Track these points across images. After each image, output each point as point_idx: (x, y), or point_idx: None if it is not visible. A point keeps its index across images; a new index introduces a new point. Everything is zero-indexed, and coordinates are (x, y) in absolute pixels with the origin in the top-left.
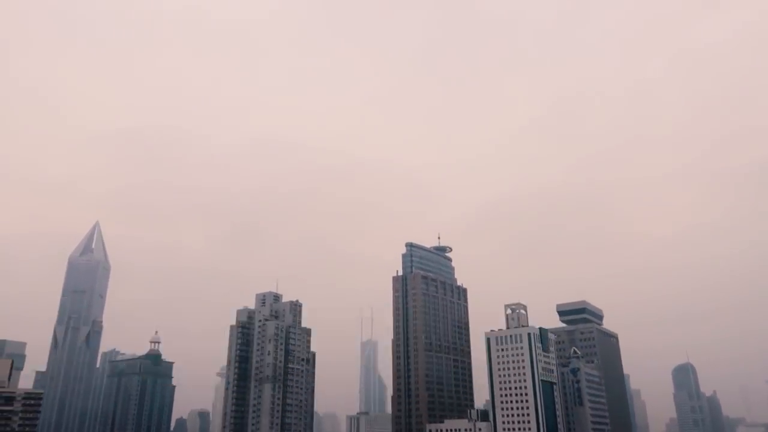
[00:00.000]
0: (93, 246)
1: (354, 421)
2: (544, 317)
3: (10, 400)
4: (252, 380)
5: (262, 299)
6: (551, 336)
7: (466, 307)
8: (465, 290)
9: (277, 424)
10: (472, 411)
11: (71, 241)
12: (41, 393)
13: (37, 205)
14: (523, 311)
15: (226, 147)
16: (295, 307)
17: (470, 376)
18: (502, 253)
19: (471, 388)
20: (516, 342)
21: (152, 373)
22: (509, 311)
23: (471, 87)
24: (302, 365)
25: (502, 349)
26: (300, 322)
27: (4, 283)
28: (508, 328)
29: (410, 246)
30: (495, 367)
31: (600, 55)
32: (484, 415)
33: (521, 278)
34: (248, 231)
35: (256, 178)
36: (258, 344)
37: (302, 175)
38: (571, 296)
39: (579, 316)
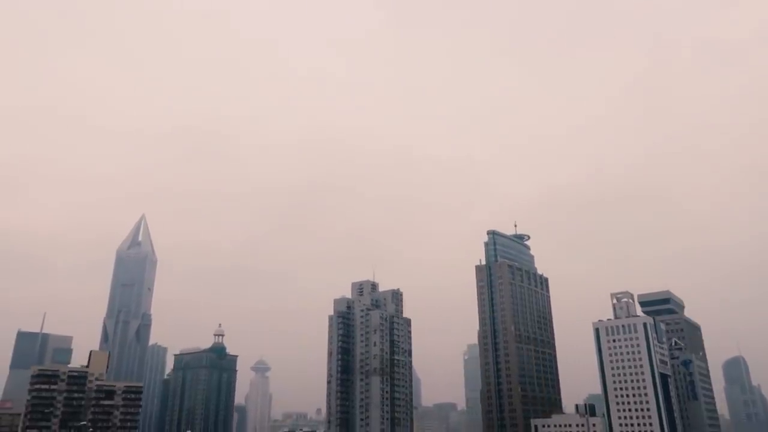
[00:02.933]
0: (140, 239)
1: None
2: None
3: (110, 394)
4: (357, 373)
5: (359, 288)
6: (662, 326)
7: (548, 297)
8: (546, 279)
9: (387, 419)
10: (579, 405)
11: (118, 236)
12: (141, 386)
13: (84, 201)
14: (630, 300)
15: (272, 144)
16: (397, 296)
17: (556, 368)
18: (564, 241)
19: (558, 381)
20: (629, 332)
21: (217, 366)
22: (615, 300)
23: (538, 72)
24: (405, 357)
25: (614, 340)
26: (402, 312)
27: (51, 277)
28: (616, 317)
29: (492, 234)
30: (606, 359)
31: (681, 37)
32: (590, 410)
33: (585, 267)
34: (293, 226)
35: (303, 174)
36: (362, 335)
37: (352, 169)
38: (628, 285)
39: (663, 307)
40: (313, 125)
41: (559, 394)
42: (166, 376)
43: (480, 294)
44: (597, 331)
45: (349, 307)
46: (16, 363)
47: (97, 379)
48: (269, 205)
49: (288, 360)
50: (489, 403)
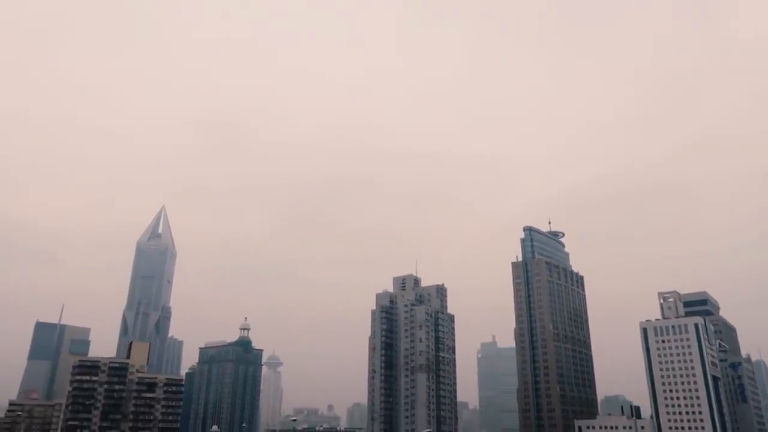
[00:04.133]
0: (160, 230)
1: None
2: (642, 304)
3: (152, 386)
4: (401, 369)
5: (401, 283)
6: (711, 327)
7: (583, 295)
8: (582, 277)
9: (433, 417)
10: (625, 407)
11: (138, 228)
12: (182, 380)
13: (104, 193)
14: (677, 300)
15: (295, 140)
16: (442, 292)
17: (591, 368)
18: (592, 239)
19: (593, 380)
20: (680, 333)
21: (243, 360)
22: (662, 300)
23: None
24: (450, 354)
25: (663, 341)
26: (446, 307)
27: (69, 270)
28: (663, 317)
29: (529, 230)
30: (655, 359)
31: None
32: (636, 412)
33: (612, 264)
34: (313, 222)
35: (325, 170)
36: (406, 330)
37: (375, 166)
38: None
39: (701, 308)
40: (336, 121)
41: (594, 393)
42: (188, 370)
43: (516, 291)
44: (645, 331)
45: (392, 302)
46: (34, 354)
47: (138, 371)
48: (290, 201)
49: (299, 356)
50: (526, 402)
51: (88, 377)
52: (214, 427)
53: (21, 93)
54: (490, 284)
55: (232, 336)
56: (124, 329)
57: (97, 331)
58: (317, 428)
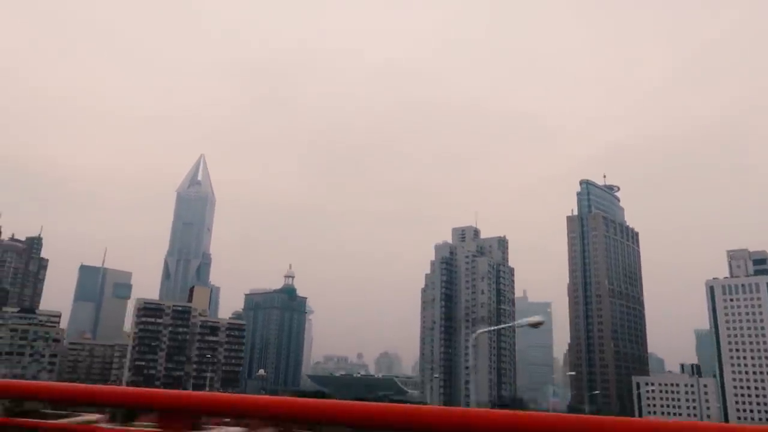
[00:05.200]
0: (199, 178)
1: None
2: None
3: (215, 330)
4: (462, 321)
5: (461, 234)
6: None
7: (638, 251)
8: (636, 233)
9: (494, 369)
10: (686, 365)
11: (178, 176)
12: (244, 324)
13: (145, 140)
14: (747, 258)
15: (336, 91)
16: (503, 244)
17: (644, 325)
18: (641, 194)
19: (645, 338)
20: (750, 292)
21: (288, 308)
22: (730, 258)
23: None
24: (510, 307)
25: (731, 300)
26: (507, 260)
27: (111, 214)
28: (732, 276)
29: (586, 184)
30: (721, 318)
31: None
32: (697, 371)
33: (669, 220)
34: (354, 172)
35: (366, 121)
36: (467, 282)
37: (415, 116)
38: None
39: (760, 267)
40: (380, 71)
41: (646, 351)
42: (231, 315)
43: (571, 245)
44: (711, 289)
45: (451, 253)
46: (80, 296)
47: (200, 315)
48: (329, 153)
49: (328, 306)
50: (578, 357)
51: (152, 319)
52: (261, 371)
53: (69, 41)
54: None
55: (269, 284)
56: (166, 274)
57: (138, 275)
58: (355, 374)
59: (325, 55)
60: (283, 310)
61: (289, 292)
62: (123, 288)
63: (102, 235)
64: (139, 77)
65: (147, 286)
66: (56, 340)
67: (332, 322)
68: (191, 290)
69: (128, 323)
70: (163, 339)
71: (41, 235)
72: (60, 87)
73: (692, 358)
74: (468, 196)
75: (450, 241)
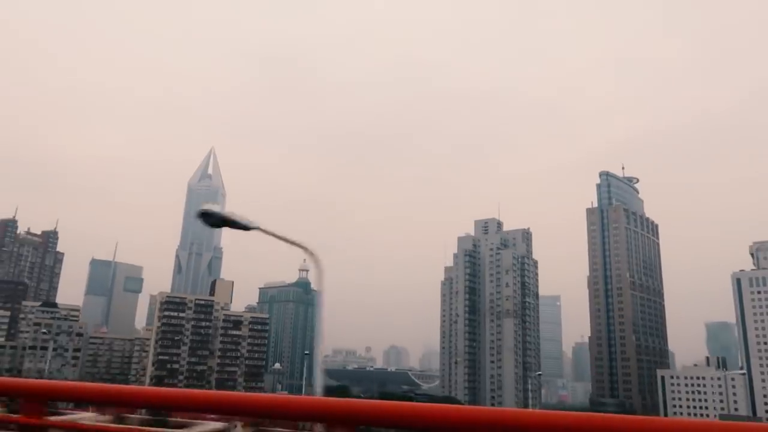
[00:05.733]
0: (210, 172)
1: None
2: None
3: (237, 324)
4: (486, 314)
5: (483, 226)
6: None
7: (657, 244)
8: (657, 225)
9: (519, 363)
10: (710, 358)
11: (189, 169)
12: (267, 318)
13: (156, 130)
14: None
15: (349, 80)
16: (527, 236)
17: (664, 318)
18: (660, 186)
19: (665, 331)
20: None
21: (303, 301)
22: (755, 250)
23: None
24: (534, 300)
25: (759, 292)
26: (531, 252)
27: (120, 207)
28: (757, 268)
29: (606, 175)
30: (749, 311)
31: None
32: (723, 364)
33: (688, 212)
34: (367, 161)
35: (378, 109)
36: (492, 274)
37: (431, 105)
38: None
39: None
40: (396, 60)
41: (666, 344)
42: (245, 309)
43: (591, 237)
44: (738, 281)
45: (475, 246)
46: (91, 290)
47: (223, 308)
48: (342, 143)
49: (337, 298)
50: (599, 351)
51: (176, 313)
52: (277, 365)
53: (81, 31)
54: (539, 230)
55: (282, 278)
56: (178, 268)
57: (149, 269)
58: (367, 368)
59: (342, 45)
60: (297, 304)
61: (303, 285)
62: (134, 282)
63: (113, 229)
64: (151, 68)
65: (159, 280)
66: (79, 335)
67: (337, 315)
68: (213, 283)
69: (139, 317)
70: (186, 333)
71: (56, 229)
72: (69, 79)
73: (703, 351)
74: (482, 187)
75: (472, 233)
